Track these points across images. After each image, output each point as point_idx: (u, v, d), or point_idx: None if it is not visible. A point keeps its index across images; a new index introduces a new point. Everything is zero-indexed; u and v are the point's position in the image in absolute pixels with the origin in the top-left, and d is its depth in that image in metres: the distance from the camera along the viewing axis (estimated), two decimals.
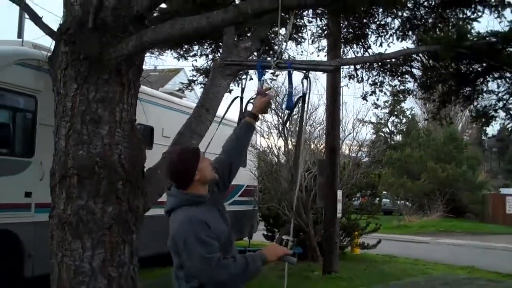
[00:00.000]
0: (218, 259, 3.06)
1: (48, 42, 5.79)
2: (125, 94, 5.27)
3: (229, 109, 3.88)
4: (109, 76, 5.15)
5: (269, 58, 3.79)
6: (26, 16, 8.99)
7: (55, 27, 5.62)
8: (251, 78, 12.13)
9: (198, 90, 15.05)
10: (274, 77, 12.74)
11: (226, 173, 3.60)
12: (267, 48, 10.57)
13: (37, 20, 5.88)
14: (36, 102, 8.66)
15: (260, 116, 3.64)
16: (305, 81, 3.55)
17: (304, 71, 3.50)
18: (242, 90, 3.76)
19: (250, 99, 3.62)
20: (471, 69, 9.31)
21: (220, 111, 6.83)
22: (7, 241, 8.22)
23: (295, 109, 4.08)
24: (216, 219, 3.28)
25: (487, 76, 9.34)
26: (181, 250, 3.14)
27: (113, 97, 5.18)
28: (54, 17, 6.72)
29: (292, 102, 3.72)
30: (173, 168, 3.37)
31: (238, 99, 3.97)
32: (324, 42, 12.31)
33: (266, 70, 3.90)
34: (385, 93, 12.43)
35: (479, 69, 9.22)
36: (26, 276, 8.44)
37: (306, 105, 3.63)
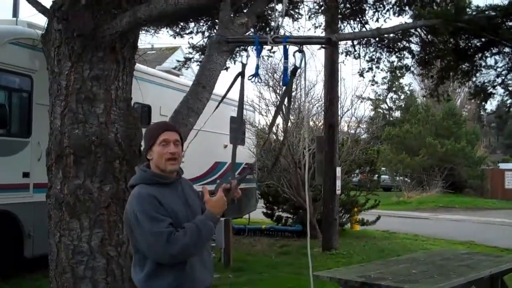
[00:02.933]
0: (169, 234, 2.93)
1: (43, 21, 5.72)
2: (120, 71, 5.21)
3: (232, 87, 3.75)
4: (104, 53, 5.09)
5: (265, 35, 3.70)
6: None
7: (48, 4, 5.54)
8: (248, 55, 12.03)
9: (195, 68, 14.96)
10: (271, 54, 12.65)
11: None
12: (263, 24, 10.47)
13: None
14: (32, 82, 8.61)
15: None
16: (298, 55, 3.46)
17: (299, 45, 3.43)
18: (243, 65, 3.64)
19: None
20: (470, 44, 9.25)
21: (217, 89, 6.79)
22: (6, 222, 8.23)
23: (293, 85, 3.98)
24: (173, 200, 3.13)
25: (486, 52, 9.28)
26: (134, 227, 3.02)
27: (108, 74, 5.13)
28: None
29: (287, 77, 3.63)
30: None
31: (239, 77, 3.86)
32: (321, 18, 12.20)
33: (264, 46, 3.83)
34: (382, 70, 12.36)
35: (478, 44, 9.15)
36: (26, 256, 8.46)
37: (304, 79, 3.55)
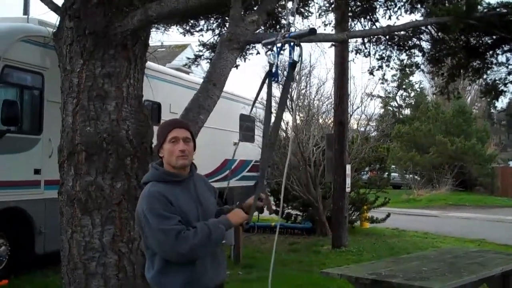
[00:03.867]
0: (178, 232, 2.94)
1: (54, 19, 5.75)
2: (131, 69, 5.23)
3: (262, 87, 3.68)
4: (115, 51, 5.11)
5: (276, 33, 3.68)
6: None
7: (60, 2, 5.57)
8: (258, 53, 12.10)
9: (205, 65, 15.00)
10: (282, 52, 12.66)
11: None
12: (274, 22, 10.48)
13: None
14: (43, 79, 8.66)
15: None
16: (296, 50, 3.42)
17: (297, 40, 3.41)
18: (271, 65, 3.60)
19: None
20: (481, 41, 9.23)
21: (227, 87, 6.80)
22: (18, 218, 8.28)
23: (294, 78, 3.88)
24: (184, 199, 3.13)
25: (497, 49, 9.25)
26: (143, 224, 3.05)
27: (120, 72, 5.15)
28: None
29: (290, 73, 3.58)
30: None
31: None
32: (331, 16, 12.19)
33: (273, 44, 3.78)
34: (392, 68, 12.33)
35: (489, 41, 9.13)
36: (37, 252, 8.51)
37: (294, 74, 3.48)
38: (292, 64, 3.42)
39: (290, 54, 3.47)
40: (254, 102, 3.83)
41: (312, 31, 3.50)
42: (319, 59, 54.86)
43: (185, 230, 2.98)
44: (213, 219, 3.11)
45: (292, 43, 3.45)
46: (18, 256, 8.41)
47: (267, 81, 3.52)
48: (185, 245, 2.94)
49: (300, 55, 3.40)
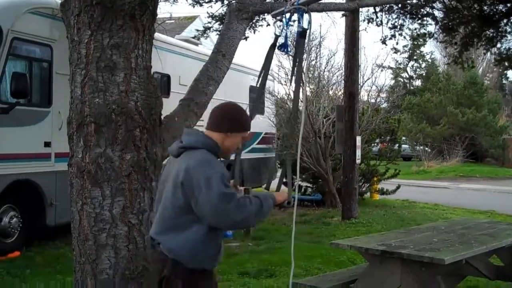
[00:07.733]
0: (238, 199, 2.95)
1: None
2: (139, 39, 5.16)
3: (268, 59, 3.61)
4: (123, 21, 5.03)
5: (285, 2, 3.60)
6: None
7: None
8: (268, 24, 12.00)
9: (214, 37, 14.90)
10: (291, 23, 12.54)
11: None
12: None
13: None
14: (52, 51, 8.63)
15: None
16: (305, 17, 3.36)
17: (306, 7, 3.34)
18: (276, 36, 3.53)
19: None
20: (494, 9, 9.09)
21: (236, 59, 6.73)
22: (29, 191, 8.32)
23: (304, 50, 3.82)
24: None
25: (511, 17, 9.12)
26: (199, 187, 2.92)
27: (128, 43, 5.08)
28: None
29: (299, 41, 3.51)
30: (227, 112, 3.20)
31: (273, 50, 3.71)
32: None
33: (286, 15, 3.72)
34: (404, 37, 12.18)
35: (503, 9, 8.99)
36: (48, 225, 8.57)
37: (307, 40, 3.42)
38: (302, 33, 3.36)
39: (299, 22, 3.40)
40: (260, 74, 3.79)
41: None
42: (329, 30, 54.30)
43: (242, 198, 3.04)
44: (261, 193, 3.16)
45: (301, 11, 3.38)
46: (30, 228, 8.48)
47: (275, 51, 3.47)
48: (243, 212, 2.94)
49: (309, 22, 3.33)
